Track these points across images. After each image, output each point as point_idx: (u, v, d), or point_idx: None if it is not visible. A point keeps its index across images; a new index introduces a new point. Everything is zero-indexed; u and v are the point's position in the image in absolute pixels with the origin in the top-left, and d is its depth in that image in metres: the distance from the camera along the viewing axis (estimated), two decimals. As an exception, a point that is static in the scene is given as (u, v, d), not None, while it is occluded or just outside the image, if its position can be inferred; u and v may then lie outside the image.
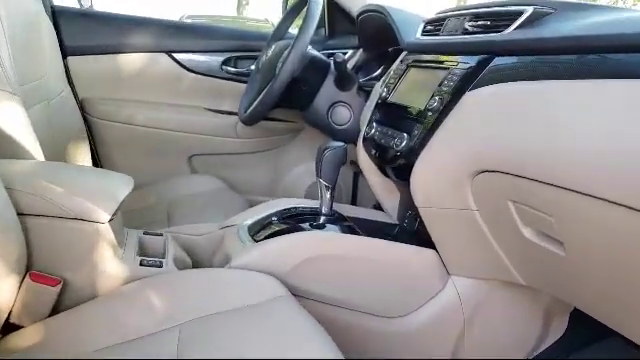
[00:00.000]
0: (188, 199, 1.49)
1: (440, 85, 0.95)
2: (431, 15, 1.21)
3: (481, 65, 0.88)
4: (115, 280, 0.86)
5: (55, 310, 0.82)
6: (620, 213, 0.60)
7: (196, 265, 1.05)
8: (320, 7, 1.24)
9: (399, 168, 1.01)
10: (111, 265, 0.86)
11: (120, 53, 1.59)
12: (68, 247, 0.84)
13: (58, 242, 0.84)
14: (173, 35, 1.64)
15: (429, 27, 1.15)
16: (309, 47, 1.30)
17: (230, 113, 1.68)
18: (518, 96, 0.79)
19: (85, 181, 0.92)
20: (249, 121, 1.33)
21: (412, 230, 1.09)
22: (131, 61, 1.61)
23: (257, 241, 0.99)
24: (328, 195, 1.05)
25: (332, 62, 1.31)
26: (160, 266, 0.91)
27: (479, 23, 0.96)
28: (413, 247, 1.00)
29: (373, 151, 1.10)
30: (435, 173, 0.92)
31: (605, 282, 0.71)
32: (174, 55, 1.63)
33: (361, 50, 1.63)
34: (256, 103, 1.26)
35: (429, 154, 0.93)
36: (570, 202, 0.67)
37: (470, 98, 0.88)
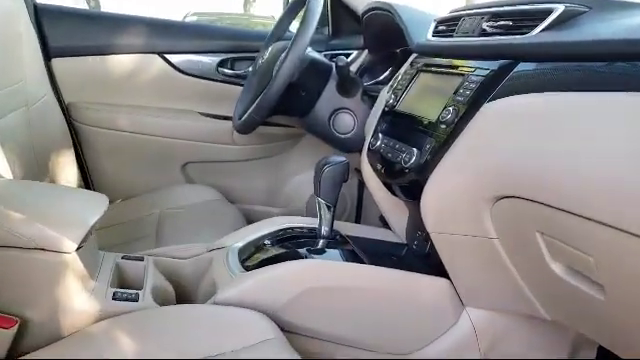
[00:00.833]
0: (179, 212, 1.38)
1: (455, 94, 0.84)
2: (443, 14, 1.09)
3: (502, 72, 0.77)
4: (83, 318, 0.76)
5: (11, 355, 0.71)
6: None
7: (180, 294, 0.94)
8: (321, 4, 1.12)
9: (408, 187, 0.90)
10: (78, 301, 0.75)
11: (108, 54, 1.49)
12: (28, 281, 0.73)
13: (16, 276, 0.73)
14: (165, 35, 1.54)
15: (441, 27, 1.04)
16: (309, 49, 1.19)
17: (226, 118, 1.57)
18: (546, 109, 0.67)
19: (50, 204, 0.81)
20: (243, 129, 1.22)
21: (422, 253, 0.98)
22: (120, 63, 1.50)
23: (247, 268, 0.88)
24: (328, 215, 0.94)
25: (334, 66, 1.20)
26: (136, 300, 0.80)
27: (499, 23, 0.84)
28: (424, 277, 0.89)
29: (379, 165, 0.99)
30: (449, 195, 0.80)
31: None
32: (166, 56, 1.53)
33: (366, 51, 1.52)
34: (250, 110, 1.15)
35: (442, 173, 0.81)
36: (616, 242, 0.55)
37: (489, 110, 0.76)
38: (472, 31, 0.90)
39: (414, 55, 1.12)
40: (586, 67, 0.64)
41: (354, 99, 1.23)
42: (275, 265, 0.85)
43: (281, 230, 0.98)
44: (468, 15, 0.94)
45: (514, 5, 0.83)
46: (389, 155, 0.95)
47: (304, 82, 1.19)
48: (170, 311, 0.79)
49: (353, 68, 1.48)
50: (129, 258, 0.94)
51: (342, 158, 0.93)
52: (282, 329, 0.78)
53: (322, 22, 1.82)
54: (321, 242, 0.93)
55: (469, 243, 0.81)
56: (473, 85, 0.81)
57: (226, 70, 1.57)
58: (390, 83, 1.17)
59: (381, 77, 1.38)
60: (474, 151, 0.77)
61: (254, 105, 1.14)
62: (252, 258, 0.91)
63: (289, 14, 1.38)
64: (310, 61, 1.19)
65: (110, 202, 1.57)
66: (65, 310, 0.75)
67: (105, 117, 1.51)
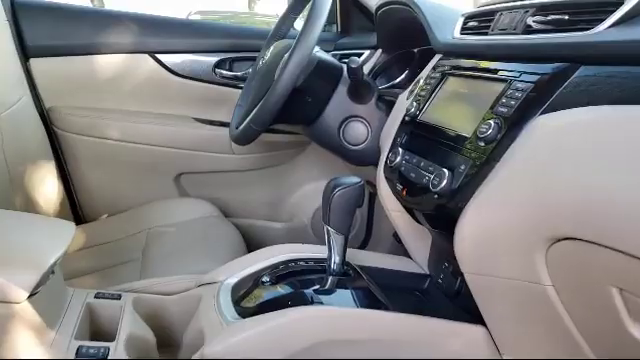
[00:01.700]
0: (170, 230, 1.23)
1: (496, 104, 0.68)
2: (471, 8, 0.94)
3: (558, 78, 0.62)
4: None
5: None
6: None
7: (162, 339, 0.80)
8: (330, -2, 0.97)
9: (436, 216, 0.75)
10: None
11: (93, 54, 1.34)
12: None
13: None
14: (157, 33, 1.39)
15: (472, 23, 0.88)
16: (316, 48, 1.04)
17: (224, 124, 1.42)
18: (617, 126, 0.52)
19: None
20: (241, 141, 1.07)
21: (451, 291, 0.82)
22: (107, 64, 1.35)
23: (242, 313, 0.73)
24: (339, 246, 0.79)
25: (345, 67, 1.04)
26: (104, 357, 0.66)
27: (550, 18, 0.69)
28: (455, 324, 0.74)
29: (398, 186, 0.84)
30: (491, 232, 0.65)
31: None
32: (158, 56, 1.38)
33: (379, 51, 1.36)
34: (248, 120, 1.00)
35: (482, 203, 0.66)
36: None
37: (543, 125, 0.61)
38: (514, 27, 0.75)
39: (438, 56, 0.97)
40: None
41: (368, 105, 1.08)
42: (275, 313, 0.69)
43: (282, 263, 0.83)
44: (507, 9, 0.79)
45: (570, -5, 0.67)
46: (412, 175, 0.80)
47: (310, 86, 1.04)
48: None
49: (365, 70, 1.33)
50: (104, 296, 0.79)
51: (356, 179, 0.78)
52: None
53: (330, 18, 1.67)
54: (330, 280, 0.78)
55: (514, 288, 0.65)
56: (519, 94, 0.66)
57: (224, 71, 1.42)
58: (410, 88, 1.01)
59: (397, 80, 1.22)
60: (523, 177, 0.61)
61: (252, 113, 0.99)
62: (248, 298, 0.76)
63: (293, 9, 1.23)
64: (318, 62, 1.04)
65: (95, 219, 1.46)
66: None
67: (90, 124, 1.37)
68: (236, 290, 0.79)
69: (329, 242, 0.79)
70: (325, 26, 1.71)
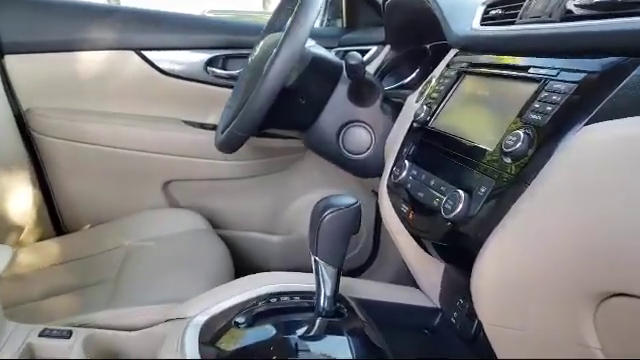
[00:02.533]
0: (151, 246, 1.11)
1: (526, 110, 0.54)
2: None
3: (613, 76, 0.47)
4: None
5: None
6: None
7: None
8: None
9: (449, 249, 0.60)
10: None
11: (74, 51, 1.22)
12: None
13: None
14: (143, 28, 1.27)
15: (495, 11, 0.74)
16: (311, 42, 0.90)
17: (216, 128, 1.29)
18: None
19: None
20: (224, 147, 0.94)
21: (466, 335, 0.68)
22: (89, 61, 1.24)
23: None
24: (329, 281, 0.65)
25: (344, 65, 0.90)
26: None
27: (596, 1, 0.54)
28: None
29: (403, 207, 0.70)
30: (519, 275, 0.51)
31: None
32: (144, 54, 1.26)
33: (387, 47, 1.22)
34: (232, 125, 0.86)
35: (508, 237, 0.51)
36: None
37: (590, 139, 0.47)
38: (549, 14, 0.60)
39: (453, 52, 0.83)
40: None
41: (371, 108, 0.94)
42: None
43: (263, 298, 0.70)
44: (538, -7, 0.64)
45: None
46: (420, 195, 0.66)
47: (304, 86, 0.90)
48: None
49: (371, 68, 1.19)
50: (50, 334, 0.67)
51: (351, 200, 0.64)
52: None
53: (334, 12, 1.53)
54: (318, 322, 0.64)
55: (548, 348, 0.51)
56: (558, 97, 0.51)
57: (217, 70, 1.30)
58: (420, 89, 0.87)
59: (406, 80, 1.08)
60: (563, 207, 0.47)
61: (237, 118, 0.86)
62: (219, 343, 0.63)
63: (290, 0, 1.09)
64: (312, 59, 0.90)
65: (77, 230, 1.35)
66: None
67: (70, 127, 1.25)
68: (206, 330, 0.66)
69: (317, 276, 0.65)
70: (329, 20, 1.58)
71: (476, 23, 0.77)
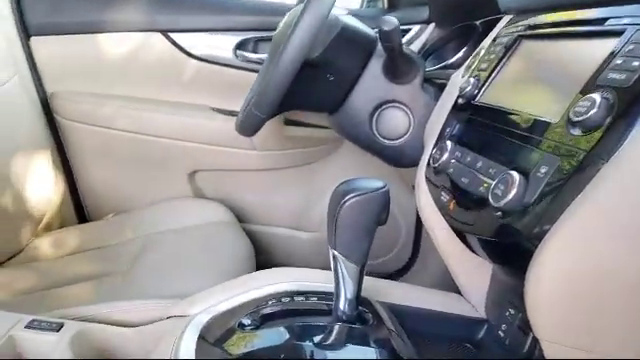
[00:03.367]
0: (169, 238, 1.04)
1: (603, 68, 0.42)
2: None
3: None
4: None
5: None
6: None
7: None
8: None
9: (499, 246, 0.49)
10: None
11: (100, 32, 1.18)
12: None
13: None
14: (170, 8, 1.20)
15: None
16: (341, 10, 0.80)
17: (243, 114, 1.21)
18: None
19: None
20: (243, 129, 0.85)
21: (518, 352, 0.56)
22: (114, 43, 1.19)
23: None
24: (350, 280, 0.55)
25: (378, 34, 0.79)
26: None
27: None
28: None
29: (444, 196, 0.59)
30: (591, 281, 0.39)
31: None
32: (171, 35, 1.20)
33: (432, 26, 1.10)
34: (251, 103, 0.78)
35: (576, 231, 0.40)
36: None
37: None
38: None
39: (506, 19, 0.71)
40: None
41: (409, 87, 0.83)
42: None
43: (276, 297, 0.60)
44: None
45: None
46: (463, 180, 0.55)
47: (332, 60, 0.80)
48: None
49: (414, 47, 1.07)
50: (39, 326, 0.60)
51: (379, 183, 0.53)
52: None
53: (375, -7, 1.43)
54: (337, 329, 0.54)
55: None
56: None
57: (246, 54, 1.22)
58: (467, 63, 0.76)
59: (451, 59, 0.96)
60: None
61: (255, 96, 0.77)
62: (221, 346, 0.54)
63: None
64: (342, 28, 0.79)
65: (100, 218, 1.30)
66: None
67: (95, 112, 1.20)
68: (207, 331, 0.57)
69: (336, 274, 0.55)
70: (370, 2, 1.48)
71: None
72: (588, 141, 0.40)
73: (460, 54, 0.96)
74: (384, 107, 0.84)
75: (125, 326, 0.65)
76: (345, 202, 0.52)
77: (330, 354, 0.52)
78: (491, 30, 0.76)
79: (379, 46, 0.82)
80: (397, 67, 0.81)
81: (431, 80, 0.87)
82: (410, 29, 1.13)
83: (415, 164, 0.82)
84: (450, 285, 0.74)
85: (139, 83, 1.22)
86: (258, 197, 1.30)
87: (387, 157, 0.88)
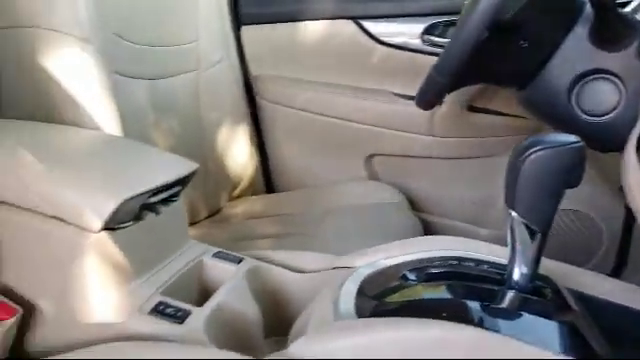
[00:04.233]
0: (347, 213, 1.08)
1: None
2: None
3: None
4: (94, 329, 0.51)
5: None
6: None
7: (272, 325, 0.63)
8: None
9: None
10: (90, 302, 0.51)
11: (298, 21, 1.28)
12: (43, 260, 0.52)
13: (33, 250, 0.53)
14: (362, -5, 1.25)
15: None
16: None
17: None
18: None
19: (99, 160, 0.59)
20: (422, 97, 0.83)
21: None
22: (309, 31, 1.28)
23: (360, 312, 0.50)
24: (529, 246, 0.48)
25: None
26: (181, 320, 0.52)
27: None
28: None
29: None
30: None
31: None
32: (362, 22, 1.24)
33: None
34: (433, 66, 0.75)
35: None
36: None
37: None
38: None
39: None
40: None
41: (622, 54, 0.70)
42: (401, 322, 0.44)
43: (443, 259, 0.56)
44: None
45: None
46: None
47: (528, 23, 0.72)
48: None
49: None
50: (223, 257, 0.67)
51: (572, 137, 0.46)
52: None
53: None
54: (510, 296, 0.48)
55: None
56: None
57: (434, 38, 1.19)
58: None
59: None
60: None
61: (437, 59, 0.74)
62: (378, 294, 0.53)
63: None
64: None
65: (286, 190, 1.41)
66: (76, 310, 0.51)
67: (290, 94, 1.31)
68: (369, 282, 0.56)
69: (512, 238, 0.49)
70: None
71: None
72: None
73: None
74: (588, 79, 0.73)
75: (294, 271, 0.69)
76: (529, 155, 0.46)
77: (501, 320, 0.47)
78: None
79: (587, 7, 0.72)
80: (609, 31, 0.70)
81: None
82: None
83: (621, 147, 0.70)
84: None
85: (330, 68, 1.29)
86: (434, 186, 1.26)
87: (589, 137, 0.76)
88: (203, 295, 0.60)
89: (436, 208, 1.26)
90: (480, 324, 0.45)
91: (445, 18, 1.19)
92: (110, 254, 0.52)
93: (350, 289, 0.55)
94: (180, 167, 0.63)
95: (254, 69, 1.34)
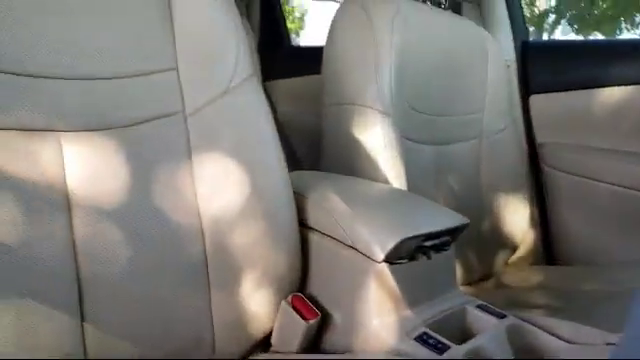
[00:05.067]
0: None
1: None
2: None
3: None
4: (373, 340, 0.62)
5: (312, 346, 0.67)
6: None
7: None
8: None
9: None
10: (370, 319, 0.62)
11: (592, 88, 1.23)
12: (339, 278, 0.67)
13: (333, 269, 0.69)
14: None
15: None
16: None
17: None
18: None
19: (388, 207, 0.72)
20: None
21: None
22: (604, 97, 1.21)
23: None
24: None
25: None
26: (440, 352, 0.58)
27: None
28: None
29: None
30: None
31: None
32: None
33: None
34: None
35: None
36: None
37: None
38: None
39: None
40: None
41: None
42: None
43: None
44: None
45: None
46: None
47: None
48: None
49: None
50: (487, 309, 0.70)
51: None
52: None
53: None
54: None
55: None
56: None
57: None
58: None
59: None
60: None
61: None
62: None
63: None
64: None
65: (567, 263, 1.30)
66: (359, 323, 0.63)
67: (580, 162, 1.25)
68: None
69: None
70: None
71: None
72: None
73: None
74: None
75: (562, 340, 0.66)
76: None
77: None
78: None
79: None
80: None
81: None
82: None
83: None
84: None
85: (624, 136, 1.18)
86: None
87: None
88: (462, 338, 0.64)
89: None
90: None
91: None
92: (388, 283, 0.63)
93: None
94: (451, 219, 0.71)
95: (540, 136, 1.33)
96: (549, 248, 1.34)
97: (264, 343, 0.70)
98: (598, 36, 6.67)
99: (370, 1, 0.96)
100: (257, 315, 0.67)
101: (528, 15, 8.18)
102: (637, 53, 1.17)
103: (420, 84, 1.02)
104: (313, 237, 0.70)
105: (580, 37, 6.58)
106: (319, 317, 0.66)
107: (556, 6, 7.34)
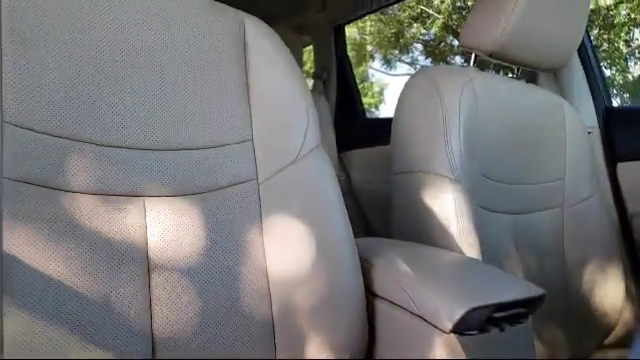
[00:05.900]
0: None
1: None
2: None
3: None
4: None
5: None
6: None
7: None
8: None
9: None
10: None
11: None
12: (406, 348, 0.65)
13: (400, 339, 0.67)
14: None
15: None
16: None
17: None
18: None
19: (457, 275, 0.70)
20: None
21: None
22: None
23: None
24: None
25: None
26: None
27: None
28: None
29: None
30: None
31: None
32: None
33: None
34: None
35: None
36: None
37: None
38: None
39: None
40: None
41: None
42: None
43: None
44: None
45: None
46: None
47: None
48: None
49: None
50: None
51: None
52: None
53: None
54: None
55: None
56: None
57: None
58: None
59: None
60: None
61: None
62: None
63: None
64: None
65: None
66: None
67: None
68: None
69: None
70: None
71: None
72: None
73: None
74: None
75: None
76: None
77: None
78: None
79: None
80: None
81: None
82: None
83: None
84: None
85: None
86: None
87: None
88: None
89: None
90: None
91: None
92: (456, 355, 0.60)
93: None
94: (526, 289, 0.67)
95: (632, 206, 1.24)
96: None
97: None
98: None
99: (439, 71, 0.99)
100: (321, 382, 0.66)
101: (621, 82, 7.83)
102: None
103: (493, 152, 1.01)
104: (380, 305, 0.69)
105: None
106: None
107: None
